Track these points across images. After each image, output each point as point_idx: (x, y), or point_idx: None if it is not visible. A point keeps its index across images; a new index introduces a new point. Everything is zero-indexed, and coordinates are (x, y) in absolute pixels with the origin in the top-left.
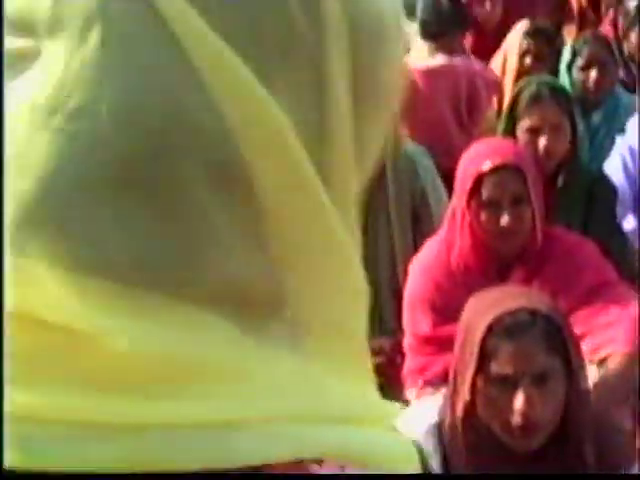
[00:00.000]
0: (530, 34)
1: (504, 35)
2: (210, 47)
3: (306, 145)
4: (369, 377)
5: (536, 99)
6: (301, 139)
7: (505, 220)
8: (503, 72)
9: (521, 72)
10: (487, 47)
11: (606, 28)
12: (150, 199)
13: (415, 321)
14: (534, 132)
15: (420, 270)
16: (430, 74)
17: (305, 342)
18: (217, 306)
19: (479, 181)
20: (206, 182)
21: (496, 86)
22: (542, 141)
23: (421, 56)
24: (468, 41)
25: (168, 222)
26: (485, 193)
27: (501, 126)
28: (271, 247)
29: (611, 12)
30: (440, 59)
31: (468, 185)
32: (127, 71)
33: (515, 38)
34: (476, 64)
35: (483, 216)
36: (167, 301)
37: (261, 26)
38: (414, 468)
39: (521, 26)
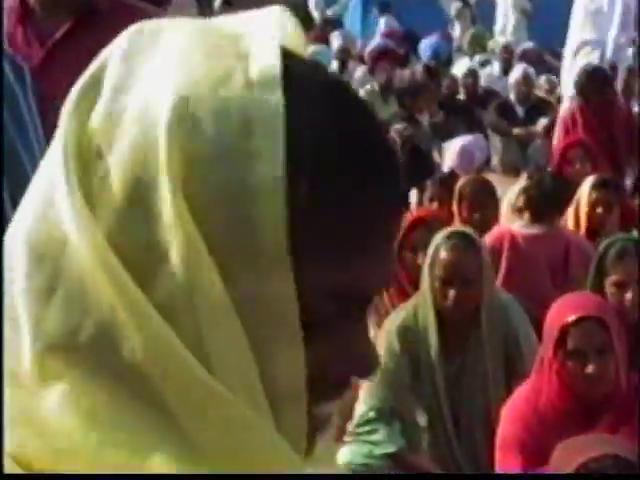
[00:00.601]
0: (598, 186)
1: None
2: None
3: None
4: None
5: (621, 256)
6: None
7: (590, 369)
8: (576, 218)
9: (592, 221)
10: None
11: None
12: None
13: (506, 463)
14: (620, 286)
15: (512, 414)
16: (534, 240)
17: None
18: None
19: (565, 332)
20: None
21: (589, 254)
22: (628, 295)
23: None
24: None
25: None
26: (571, 343)
27: (589, 280)
28: None
29: None
30: (541, 227)
31: (555, 335)
32: None
33: (585, 190)
34: (571, 233)
35: (569, 365)
36: None
37: None
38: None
39: (590, 179)
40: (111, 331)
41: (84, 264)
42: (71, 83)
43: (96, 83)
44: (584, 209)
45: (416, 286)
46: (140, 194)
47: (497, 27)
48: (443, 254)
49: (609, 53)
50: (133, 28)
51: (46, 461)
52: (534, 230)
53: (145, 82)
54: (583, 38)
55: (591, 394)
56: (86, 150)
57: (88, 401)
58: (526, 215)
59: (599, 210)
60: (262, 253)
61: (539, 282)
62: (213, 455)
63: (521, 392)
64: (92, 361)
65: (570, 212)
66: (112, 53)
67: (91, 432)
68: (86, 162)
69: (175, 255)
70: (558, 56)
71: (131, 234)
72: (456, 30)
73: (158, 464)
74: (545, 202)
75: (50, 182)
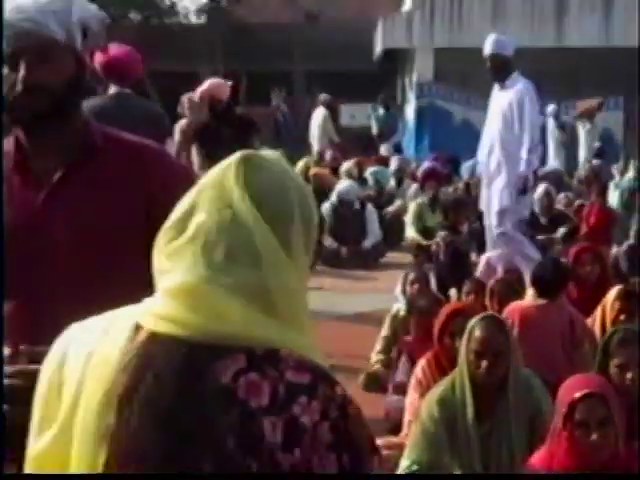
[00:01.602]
0: (622, 297)
1: (602, 290)
2: None
3: None
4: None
5: (624, 342)
6: None
7: (594, 437)
8: (603, 322)
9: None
10: (587, 298)
11: None
12: None
13: None
14: (622, 368)
15: (534, 470)
16: (540, 309)
17: None
18: None
19: (573, 407)
20: None
21: (591, 333)
22: (629, 375)
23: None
24: (573, 293)
25: None
26: (577, 416)
27: (597, 361)
28: None
29: None
30: (546, 300)
31: (564, 409)
32: None
33: (610, 299)
34: (573, 309)
35: (576, 434)
36: None
37: None
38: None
39: (616, 290)
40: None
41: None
42: (72, 221)
43: None
44: (609, 315)
45: (453, 366)
46: None
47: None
48: (477, 332)
49: (522, 168)
50: None
51: None
52: (540, 302)
53: None
54: (499, 160)
55: (594, 458)
56: None
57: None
58: (533, 291)
59: (622, 317)
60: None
61: (549, 345)
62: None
63: (539, 454)
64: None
65: (597, 314)
66: None
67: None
68: None
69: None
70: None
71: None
72: None
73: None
74: (547, 280)
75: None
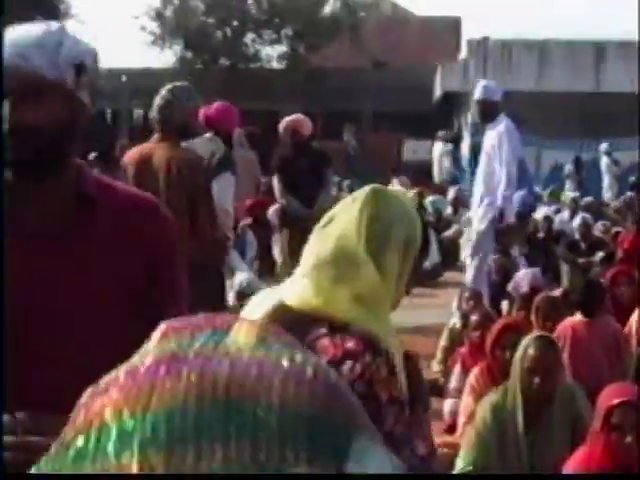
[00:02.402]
0: None
1: (634, 308)
2: None
3: None
4: None
5: None
6: None
7: (628, 439)
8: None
9: None
10: (622, 316)
11: None
12: None
13: None
14: None
15: (573, 470)
16: (587, 325)
17: None
18: None
19: (610, 412)
20: None
21: (629, 347)
22: None
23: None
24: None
25: None
26: (614, 420)
27: (632, 373)
28: None
29: None
30: (591, 318)
31: (602, 414)
32: None
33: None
34: (618, 327)
35: (613, 436)
36: None
37: None
38: None
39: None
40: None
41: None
42: (72, 285)
43: None
44: (635, 333)
45: (503, 375)
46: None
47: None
48: (531, 350)
49: (499, 202)
50: None
51: None
52: (586, 319)
53: None
54: (482, 193)
55: (628, 459)
56: None
57: None
58: (579, 313)
59: None
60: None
61: (596, 358)
62: None
63: (578, 455)
64: None
65: (627, 328)
66: None
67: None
68: None
69: None
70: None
71: None
72: (567, 185)
73: None
74: (586, 299)
75: None
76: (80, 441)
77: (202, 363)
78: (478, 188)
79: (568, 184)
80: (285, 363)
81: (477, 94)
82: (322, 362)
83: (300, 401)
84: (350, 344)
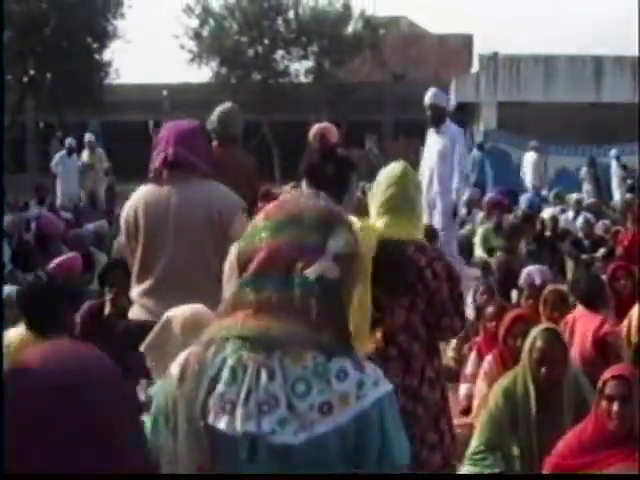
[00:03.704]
0: None
1: (633, 301)
2: None
3: None
4: None
5: None
6: None
7: (614, 409)
8: (628, 334)
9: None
10: (622, 308)
11: None
12: None
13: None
14: None
15: (566, 442)
16: (583, 318)
17: None
18: None
19: (604, 385)
20: None
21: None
22: None
23: None
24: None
25: None
26: (606, 391)
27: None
28: None
29: None
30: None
31: (600, 386)
32: None
33: (637, 310)
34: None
35: (602, 405)
36: None
37: None
38: None
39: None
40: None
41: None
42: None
43: None
44: (635, 324)
45: (514, 362)
46: None
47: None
48: (538, 342)
49: (453, 196)
50: None
51: None
52: (585, 311)
53: None
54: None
55: (614, 428)
56: None
57: None
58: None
59: None
60: None
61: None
62: None
63: (574, 430)
64: None
65: (625, 323)
66: None
67: None
68: None
69: None
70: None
71: None
72: (585, 187)
73: None
74: (588, 292)
75: None
76: None
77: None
78: (433, 187)
79: (585, 185)
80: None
81: (427, 99)
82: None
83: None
84: (431, 254)
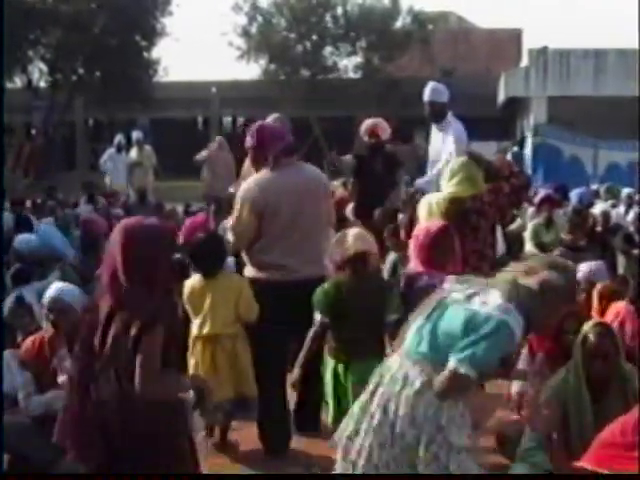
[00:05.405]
0: None
1: None
2: None
3: None
4: None
5: None
6: None
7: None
8: None
9: None
10: None
11: None
12: None
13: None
14: None
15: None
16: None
17: None
18: None
19: None
20: None
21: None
22: None
23: None
24: None
25: None
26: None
27: None
28: None
29: None
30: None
31: None
32: None
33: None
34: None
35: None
36: None
37: None
38: None
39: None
40: None
41: None
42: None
43: None
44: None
45: (567, 357)
46: None
47: None
48: (591, 337)
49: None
50: None
51: None
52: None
53: None
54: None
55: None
56: None
57: None
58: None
59: None
60: None
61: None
62: None
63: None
64: None
65: None
66: None
67: None
68: None
69: None
70: None
71: None
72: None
73: None
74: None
75: None
76: None
77: None
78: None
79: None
80: None
81: (426, 96)
82: None
83: None
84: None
